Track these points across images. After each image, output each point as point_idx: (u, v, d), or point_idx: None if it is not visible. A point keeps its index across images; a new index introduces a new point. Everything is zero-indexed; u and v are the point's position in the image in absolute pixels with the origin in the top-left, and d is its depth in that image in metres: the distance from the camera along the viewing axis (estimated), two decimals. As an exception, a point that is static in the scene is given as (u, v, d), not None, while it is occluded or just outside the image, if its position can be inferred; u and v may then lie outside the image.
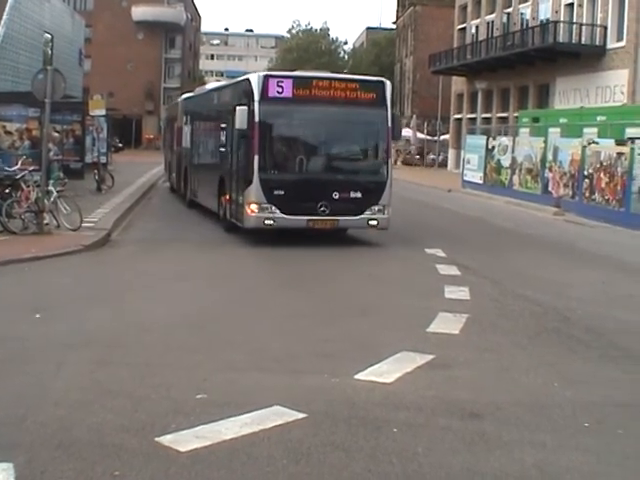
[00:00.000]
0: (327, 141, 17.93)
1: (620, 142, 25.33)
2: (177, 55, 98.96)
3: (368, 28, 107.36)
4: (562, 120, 34.93)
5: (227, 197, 19.09)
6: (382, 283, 13.70)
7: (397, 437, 6.27)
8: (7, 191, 17.59)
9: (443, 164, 61.87)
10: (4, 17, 34.52)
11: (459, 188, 38.74)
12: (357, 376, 7.79)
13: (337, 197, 17.09)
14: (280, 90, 16.87)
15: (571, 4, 42.90)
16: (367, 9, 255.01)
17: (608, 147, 25.57)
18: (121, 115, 71.08)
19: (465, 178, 39.32)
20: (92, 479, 5.38)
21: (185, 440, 6.02)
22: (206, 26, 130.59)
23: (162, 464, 5.62)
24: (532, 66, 46.16)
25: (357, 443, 6.11)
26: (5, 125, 28.47)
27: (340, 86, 17.41)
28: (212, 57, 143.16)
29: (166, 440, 6.02)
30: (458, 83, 59.72)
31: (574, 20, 42.23)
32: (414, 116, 67.55)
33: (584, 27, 41.28)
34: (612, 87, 38.96)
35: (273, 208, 16.87)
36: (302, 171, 17.38)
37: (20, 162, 20.11)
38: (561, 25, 42.41)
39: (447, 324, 10.28)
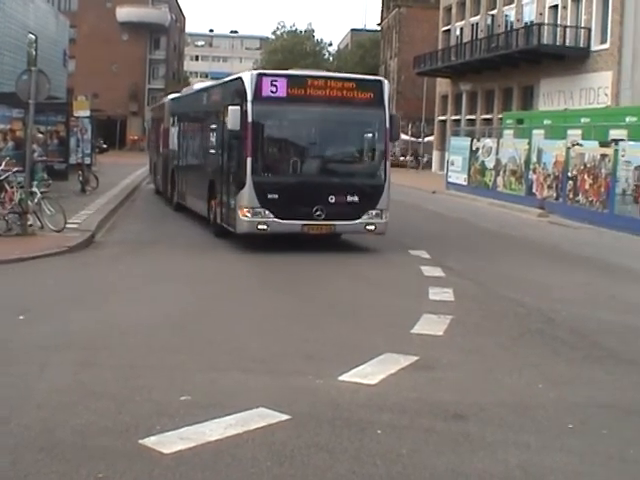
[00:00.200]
0: (323, 143, 17.35)
1: (604, 144, 25.42)
2: (162, 56, 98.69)
3: (353, 30, 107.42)
4: (546, 122, 35.00)
5: (218, 201, 18.42)
6: (366, 284, 13.69)
7: (381, 439, 6.28)
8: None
9: (427, 166, 61.96)
10: (-12, 18, 34.42)
11: (443, 190, 38.82)
12: (341, 377, 7.79)
13: (333, 201, 16.56)
14: (274, 89, 16.29)
15: (555, 6, 43.08)
16: (352, 11, 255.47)
17: (592, 149, 25.66)
18: (105, 116, 70.88)
19: (449, 180, 39.38)
20: (75, 481, 5.37)
21: (169, 442, 6.01)
22: (191, 27, 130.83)
23: (146, 466, 5.60)
24: (516, 68, 46.35)
25: (341, 445, 6.11)
26: (-11, 126, 28.36)
27: (336, 85, 16.84)
28: (197, 58, 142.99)
29: (150, 442, 6.01)
30: (442, 85, 59.85)
31: (558, 22, 42.42)
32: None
33: (568, 29, 41.47)
34: (596, 89, 39.13)
35: (267, 212, 16.28)
36: (297, 174, 16.76)
37: (4, 163, 19.94)
38: (545, 27, 42.56)
39: (431, 325, 10.29)
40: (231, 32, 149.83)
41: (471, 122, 51.74)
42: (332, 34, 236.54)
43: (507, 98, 49.16)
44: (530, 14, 45.89)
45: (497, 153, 33.52)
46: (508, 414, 6.97)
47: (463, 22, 56.05)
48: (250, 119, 16.22)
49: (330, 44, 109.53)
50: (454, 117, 56.29)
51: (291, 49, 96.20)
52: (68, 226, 17.88)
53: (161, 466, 5.61)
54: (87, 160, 33.09)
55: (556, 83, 42.74)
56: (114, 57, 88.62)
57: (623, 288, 14.19)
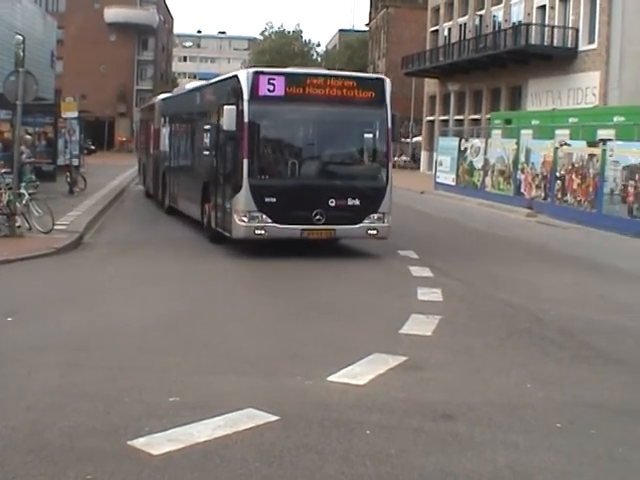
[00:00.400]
0: (322, 144, 16.65)
1: (592, 144, 25.50)
2: (150, 57, 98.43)
3: (341, 30, 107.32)
4: (534, 122, 35.10)
5: (212, 204, 17.69)
6: (355, 285, 13.68)
7: (370, 439, 6.28)
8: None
9: (416, 166, 62.02)
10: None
11: (432, 190, 38.85)
12: (330, 378, 7.79)
13: (334, 204, 15.90)
14: (271, 88, 15.61)
15: (543, 7, 43.19)
16: (340, 11, 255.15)
17: (580, 149, 25.74)
18: (93, 117, 70.78)
19: (438, 180, 39.44)
20: (64, 483, 5.35)
21: (158, 443, 6.00)
22: (179, 28, 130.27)
23: (135, 467, 5.60)
24: (504, 68, 46.45)
25: (330, 445, 6.11)
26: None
27: (336, 84, 16.13)
28: (185, 59, 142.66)
29: (139, 443, 6.00)
30: (431, 85, 59.92)
31: (546, 22, 42.52)
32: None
33: (556, 29, 41.57)
34: (584, 89, 39.25)
35: (264, 217, 15.58)
36: (296, 176, 16.04)
37: (-8, 165, 20.00)
38: (533, 27, 42.67)
39: (420, 326, 10.29)
40: (219, 33, 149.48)
41: (459, 122, 51.77)
42: (320, 35, 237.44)
43: (495, 98, 49.25)
44: (518, 14, 45.97)
45: (485, 153, 33.58)
46: (496, 414, 6.98)
47: (451, 22, 56.13)
48: (246, 119, 15.57)
49: (318, 45, 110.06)
50: (442, 117, 56.30)
51: (279, 50, 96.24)
52: (56, 227, 17.85)
53: (150, 467, 5.60)
54: (75, 161, 33.10)
55: (544, 83, 42.84)
56: (102, 58, 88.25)
57: (611, 288, 14.22)
